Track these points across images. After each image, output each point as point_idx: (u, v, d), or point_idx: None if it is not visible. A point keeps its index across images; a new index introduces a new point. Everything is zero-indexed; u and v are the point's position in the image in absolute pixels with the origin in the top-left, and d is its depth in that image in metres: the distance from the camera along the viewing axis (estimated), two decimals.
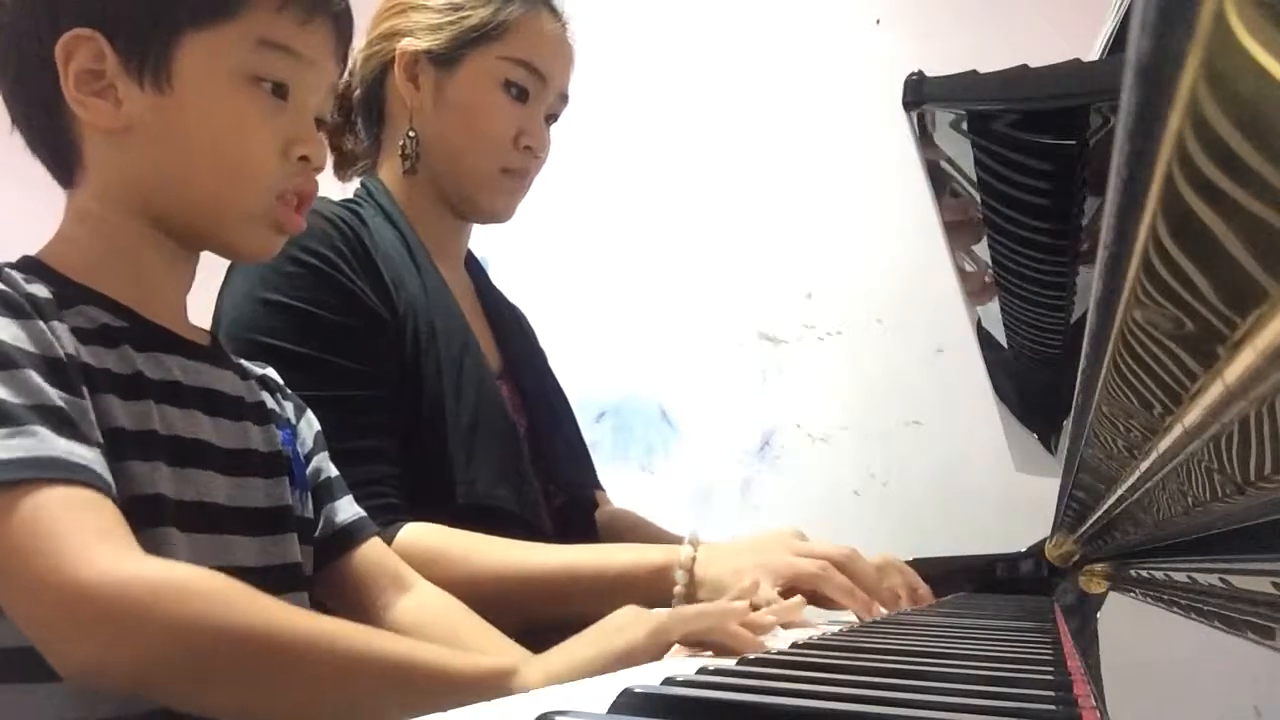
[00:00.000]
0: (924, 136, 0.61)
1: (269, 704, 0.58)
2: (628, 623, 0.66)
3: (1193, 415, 0.29)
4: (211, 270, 0.84)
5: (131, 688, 0.57)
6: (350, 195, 1.13)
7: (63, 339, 0.62)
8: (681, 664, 0.56)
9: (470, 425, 1.00)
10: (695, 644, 0.66)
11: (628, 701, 0.36)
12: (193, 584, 0.56)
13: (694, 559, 0.93)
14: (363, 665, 0.59)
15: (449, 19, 1.08)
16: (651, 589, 0.93)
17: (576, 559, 0.95)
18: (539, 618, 0.88)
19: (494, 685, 0.61)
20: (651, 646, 0.64)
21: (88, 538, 0.55)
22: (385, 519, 0.90)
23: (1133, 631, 1.32)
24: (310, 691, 0.58)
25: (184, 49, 0.67)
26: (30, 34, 0.68)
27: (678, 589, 0.92)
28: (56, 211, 0.72)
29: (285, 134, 0.71)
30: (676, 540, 1.12)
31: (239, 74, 0.69)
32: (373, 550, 0.82)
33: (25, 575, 0.55)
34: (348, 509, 0.83)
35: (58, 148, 0.70)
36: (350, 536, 0.81)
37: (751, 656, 0.55)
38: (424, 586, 0.82)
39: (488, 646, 0.78)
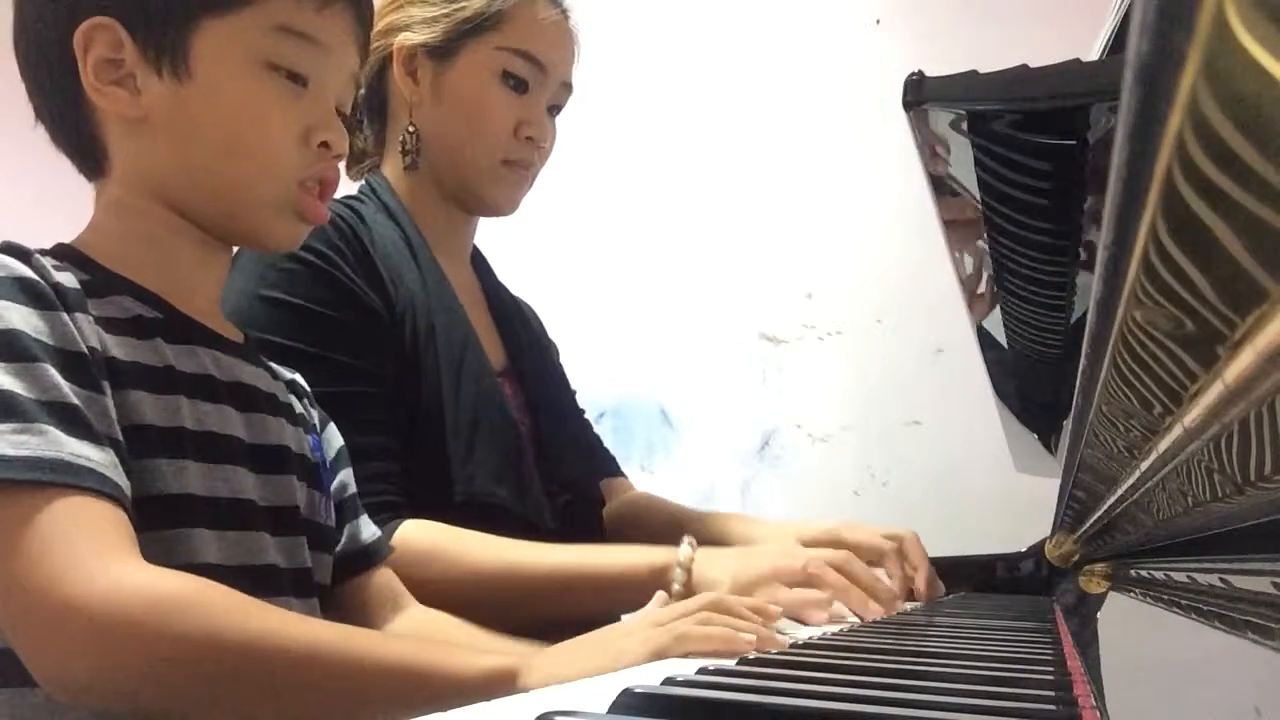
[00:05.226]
0: (924, 136, 0.61)
1: (276, 713, 0.57)
2: (633, 642, 0.62)
3: (1193, 415, 0.29)
4: None
5: (125, 706, 0.55)
6: (354, 192, 1.13)
7: (86, 331, 0.61)
8: (681, 664, 0.56)
9: (470, 424, 1.00)
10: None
11: (628, 701, 0.36)
12: (187, 596, 0.55)
13: (693, 559, 0.93)
14: (364, 671, 0.58)
15: (444, 11, 1.07)
16: (651, 588, 0.93)
17: (575, 558, 0.95)
18: (537, 617, 0.88)
19: (497, 686, 0.60)
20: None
21: (82, 551, 0.54)
22: (383, 516, 0.90)
23: (1133, 631, 1.32)
24: (311, 700, 0.57)
25: (201, 37, 0.67)
26: (50, 24, 0.68)
27: (675, 588, 0.92)
28: (62, 210, 0.72)
29: (305, 120, 0.70)
30: (695, 514, 1.16)
31: (257, 61, 0.68)
32: (385, 572, 0.82)
33: (15, 587, 0.54)
34: (370, 527, 0.82)
35: (80, 139, 0.70)
36: (375, 556, 0.81)
37: (751, 656, 0.55)
38: (418, 607, 0.82)
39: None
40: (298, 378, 0.81)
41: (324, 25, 0.70)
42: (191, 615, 0.54)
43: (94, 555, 0.54)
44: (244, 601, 0.57)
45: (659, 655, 0.59)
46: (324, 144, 0.71)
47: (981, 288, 0.83)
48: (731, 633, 0.60)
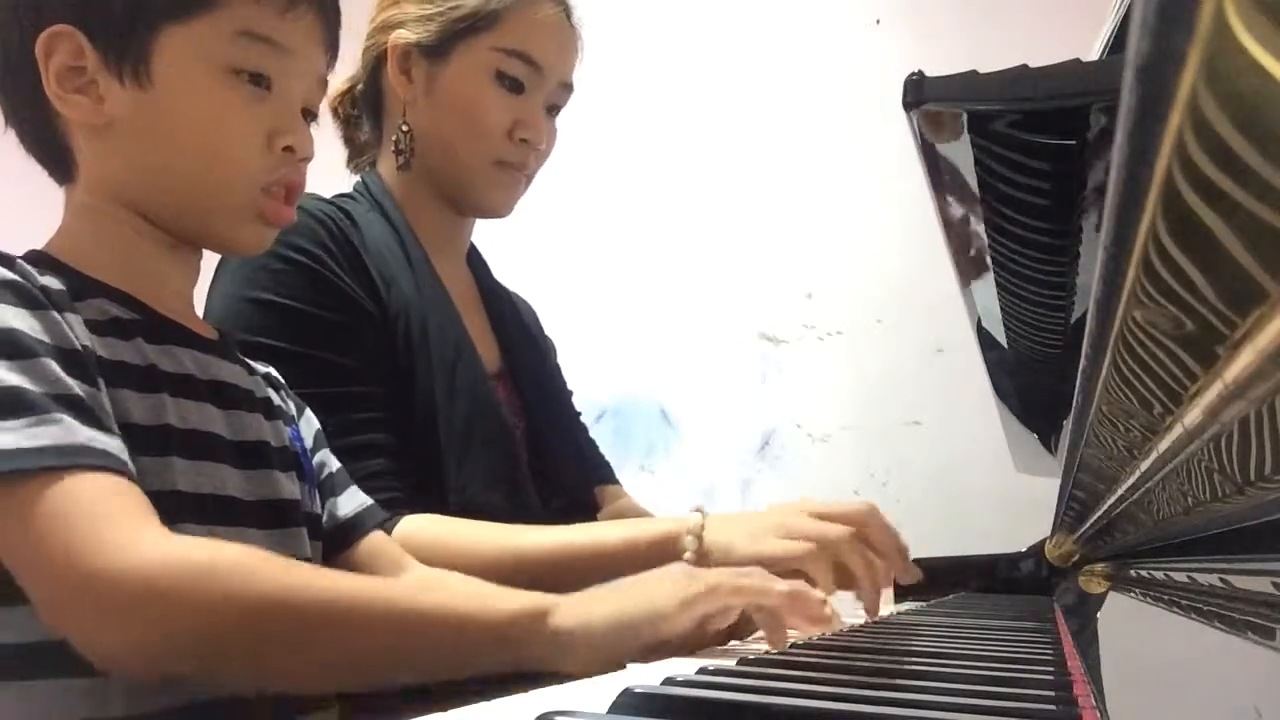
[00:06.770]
0: (924, 137, 0.61)
1: (313, 668, 0.58)
2: (667, 587, 0.64)
3: (1193, 415, 0.29)
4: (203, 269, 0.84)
5: (164, 673, 0.57)
6: (349, 190, 1.12)
7: (77, 330, 0.62)
8: (681, 664, 0.56)
9: (463, 429, 0.99)
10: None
11: (628, 701, 0.36)
12: (224, 559, 0.56)
13: (703, 525, 0.92)
14: (402, 620, 0.60)
15: (439, 9, 1.06)
16: (655, 560, 0.92)
17: (576, 536, 0.94)
18: None
19: (529, 624, 0.62)
20: (682, 617, 0.64)
21: (116, 523, 0.55)
22: (385, 513, 0.89)
23: (1133, 631, 1.32)
24: (352, 650, 0.59)
25: (162, 43, 0.67)
26: (14, 31, 0.68)
27: (687, 555, 0.90)
28: (53, 209, 0.72)
29: (268, 125, 0.70)
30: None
31: (219, 66, 0.68)
32: (375, 540, 0.82)
33: (54, 565, 0.55)
34: (349, 503, 0.82)
35: (48, 145, 0.70)
36: (353, 530, 0.81)
37: (751, 656, 0.55)
38: (420, 567, 0.83)
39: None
40: (272, 370, 0.82)
41: (287, 28, 0.70)
42: (222, 578, 0.56)
43: (122, 529, 0.55)
44: (272, 559, 0.58)
45: (689, 603, 0.62)
46: (288, 148, 0.71)
47: (971, 252, 0.82)
48: (765, 584, 0.61)
